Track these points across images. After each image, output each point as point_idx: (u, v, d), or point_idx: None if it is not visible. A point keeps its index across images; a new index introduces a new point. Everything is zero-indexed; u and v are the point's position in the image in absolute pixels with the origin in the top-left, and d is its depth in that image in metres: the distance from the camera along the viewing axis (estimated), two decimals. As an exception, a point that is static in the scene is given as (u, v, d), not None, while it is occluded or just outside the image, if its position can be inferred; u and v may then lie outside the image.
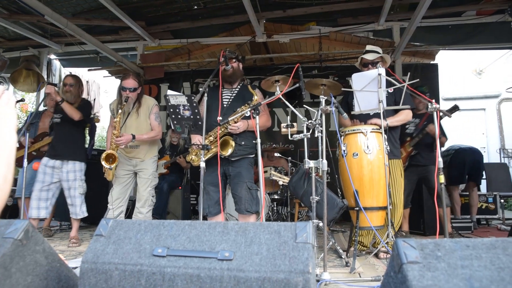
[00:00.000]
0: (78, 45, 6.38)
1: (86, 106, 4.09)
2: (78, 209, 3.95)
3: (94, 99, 9.72)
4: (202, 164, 2.72)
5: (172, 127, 2.84)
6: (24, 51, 6.99)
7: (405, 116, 3.44)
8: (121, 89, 3.75)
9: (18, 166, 4.72)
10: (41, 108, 5.13)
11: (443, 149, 5.37)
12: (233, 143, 3.15)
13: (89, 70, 7.52)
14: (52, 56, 7.33)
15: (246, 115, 3.10)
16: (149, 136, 3.84)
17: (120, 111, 3.71)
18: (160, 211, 5.07)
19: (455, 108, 3.94)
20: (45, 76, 6.94)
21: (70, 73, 6.59)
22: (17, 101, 4.79)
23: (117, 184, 3.85)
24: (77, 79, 4.11)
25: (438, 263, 1.03)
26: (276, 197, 5.28)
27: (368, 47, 3.59)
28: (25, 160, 3.52)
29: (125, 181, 3.87)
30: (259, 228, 1.29)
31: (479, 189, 5.73)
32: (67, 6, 5.65)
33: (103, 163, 3.60)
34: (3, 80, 7.55)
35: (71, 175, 3.92)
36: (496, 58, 9.83)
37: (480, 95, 10.84)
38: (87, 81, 9.50)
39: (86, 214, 4.01)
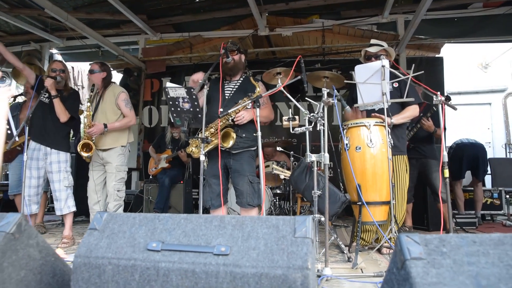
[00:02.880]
0: (79, 39, 6.34)
1: (75, 97, 3.88)
2: (63, 204, 3.63)
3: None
4: (202, 158, 2.67)
5: (172, 120, 2.79)
6: (26, 46, 6.97)
7: (411, 112, 3.34)
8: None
9: (7, 161, 4.60)
10: (21, 99, 4.87)
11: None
12: (234, 135, 3.08)
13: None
14: (54, 51, 7.30)
15: (248, 107, 3.04)
16: (121, 123, 3.75)
17: (88, 104, 3.69)
18: (161, 206, 5.05)
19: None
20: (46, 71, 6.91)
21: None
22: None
23: (90, 178, 3.84)
24: (64, 65, 3.97)
25: (443, 259, 0.98)
26: (278, 191, 5.24)
27: (373, 41, 3.53)
28: (25, 154, 3.43)
29: (97, 174, 3.83)
30: (257, 222, 1.24)
31: (484, 184, 5.65)
32: (68, 0, 5.60)
33: (81, 153, 3.57)
34: (6, 75, 7.54)
35: (55, 166, 3.64)
36: (503, 51, 9.67)
37: (485, 89, 10.69)
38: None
39: (72, 209, 3.69)
